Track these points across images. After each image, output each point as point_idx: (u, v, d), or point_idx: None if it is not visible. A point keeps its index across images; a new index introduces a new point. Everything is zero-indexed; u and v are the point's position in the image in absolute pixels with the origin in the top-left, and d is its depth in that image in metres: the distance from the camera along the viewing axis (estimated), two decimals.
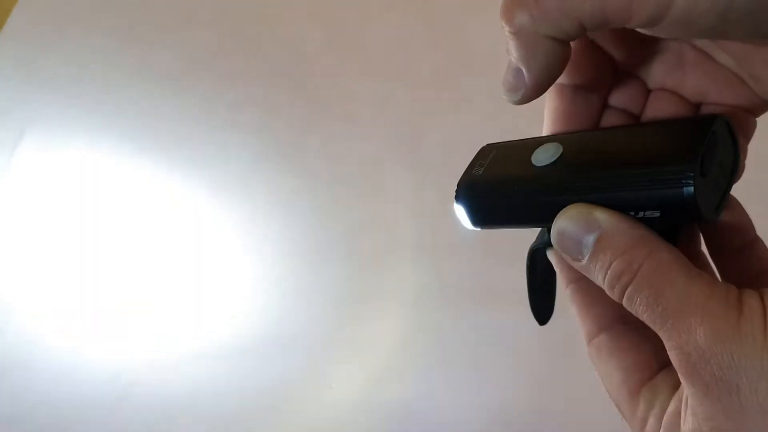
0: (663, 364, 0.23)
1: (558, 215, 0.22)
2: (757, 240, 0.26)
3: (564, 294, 0.26)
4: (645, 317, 0.20)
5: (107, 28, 0.75)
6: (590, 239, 0.21)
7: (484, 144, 0.28)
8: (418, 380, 0.54)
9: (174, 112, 0.69)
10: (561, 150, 0.24)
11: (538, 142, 0.26)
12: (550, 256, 0.26)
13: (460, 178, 0.26)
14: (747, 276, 0.25)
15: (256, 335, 0.57)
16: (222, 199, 0.64)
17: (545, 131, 0.26)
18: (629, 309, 0.21)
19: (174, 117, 0.69)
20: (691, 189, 0.20)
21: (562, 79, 0.25)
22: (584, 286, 0.25)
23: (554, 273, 0.27)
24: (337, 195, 0.63)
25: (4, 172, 0.68)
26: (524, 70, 0.22)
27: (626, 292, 0.20)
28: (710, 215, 0.21)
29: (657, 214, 0.21)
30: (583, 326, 0.25)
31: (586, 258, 0.21)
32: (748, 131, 0.24)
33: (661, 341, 0.22)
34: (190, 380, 0.56)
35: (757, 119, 0.24)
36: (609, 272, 0.21)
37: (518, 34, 0.21)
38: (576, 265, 0.22)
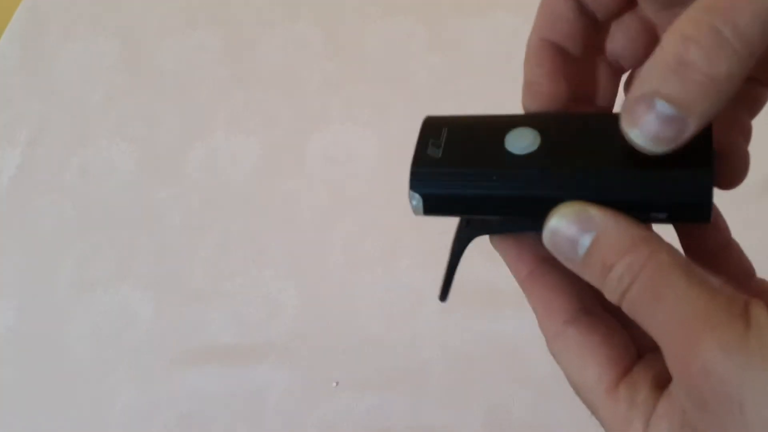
0: (637, 355, 0.22)
1: (550, 214, 0.21)
2: (732, 242, 0.25)
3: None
4: (644, 323, 0.19)
5: (111, 30, 0.75)
6: (587, 239, 0.20)
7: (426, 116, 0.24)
8: (417, 381, 0.55)
9: (176, 114, 0.69)
10: (539, 137, 0.22)
11: (502, 122, 0.23)
12: (496, 245, 0.25)
13: (413, 159, 0.23)
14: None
15: (254, 338, 0.58)
16: (222, 203, 0.64)
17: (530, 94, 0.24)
18: (629, 314, 0.20)
19: (175, 118, 0.69)
20: (710, 193, 0.20)
21: (562, 41, 0.24)
22: (542, 276, 0.23)
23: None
24: (337, 198, 0.63)
25: (5, 172, 0.68)
26: (694, 117, 0.18)
27: (626, 297, 0.19)
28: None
29: (664, 215, 0.21)
30: (542, 321, 0.23)
31: (580, 259, 0.20)
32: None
33: (633, 331, 0.22)
34: (191, 385, 0.56)
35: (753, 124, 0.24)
36: (609, 274, 0.20)
37: (716, 79, 0.17)
38: (569, 265, 0.21)
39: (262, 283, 0.60)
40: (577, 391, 0.22)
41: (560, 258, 0.21)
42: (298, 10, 0.74)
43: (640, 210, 0.21)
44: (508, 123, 0.23)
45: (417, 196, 0.23)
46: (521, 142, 0.22)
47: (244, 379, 0.56)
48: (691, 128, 0.18)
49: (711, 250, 0.24)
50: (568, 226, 0.21)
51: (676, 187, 0.20)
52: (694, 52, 0.17)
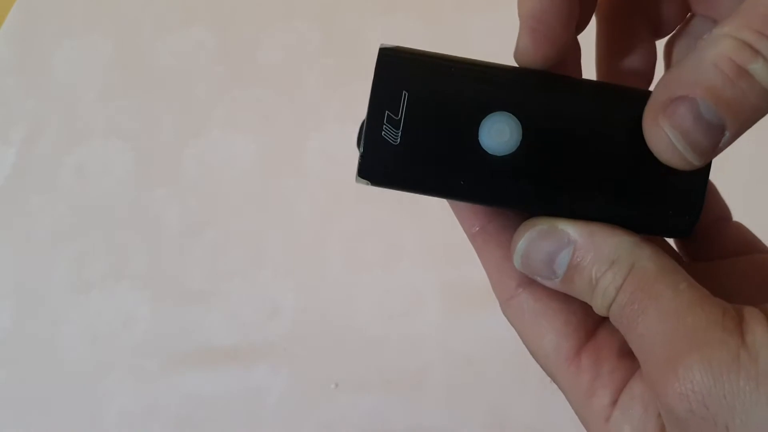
0: (599, 319, 0.20)
1: (517, 233, 0.20)
2: (724, 219, 0.23)
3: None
4: (627, 338, 0.18)
5: (106, 28, 0.75)
6: (564, 257, 0.18)
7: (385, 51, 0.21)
8: (417, 382, 0.54)
9: (172, 112, 0.69)
10: (520, 131, 0.19)
11: (479, 92, 0.20)
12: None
13: (365, 138, 0.20)
14: (716, 257, 0.22)
15: (257, 339, 0.57)
16: (220, 202, 0.64)
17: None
18: (617, 327, 0.18)
19: (171, 117, 0.69)
20: (692, 230, 0.20)
21: None
22: (495, 233, 0.22)
23: None
24: (336, 197, 0.62)
25: (0, 171, 0.67)
26: (733, 129, 0.16)
27: (611, 311, 0.18)
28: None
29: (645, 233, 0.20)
30: (495, 282, 0.22)
31: (561, 279, 0.19)
32: None
33: None
34: (188, 388, 0.56)
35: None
36: (595, 290, 0.18)
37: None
38: (550, 285, 0.19)
39: (261, 284, 0.59)
40: (536, 359, 0.21)
41: (539, 281, 0.20)
42: (295, 6, 0.73)
43: (622, 226, 0.19)
44: (486, 99, 0.20)
45: (366, 181, 0.20)
46: (499, 136, 0.19)
47: (243, 381, 0.56)
48: (726, 141, 0.17)
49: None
50: (538, 247, 0.19)
51: (660, 223, 0.19)
52: (760, 66, 0.16)
